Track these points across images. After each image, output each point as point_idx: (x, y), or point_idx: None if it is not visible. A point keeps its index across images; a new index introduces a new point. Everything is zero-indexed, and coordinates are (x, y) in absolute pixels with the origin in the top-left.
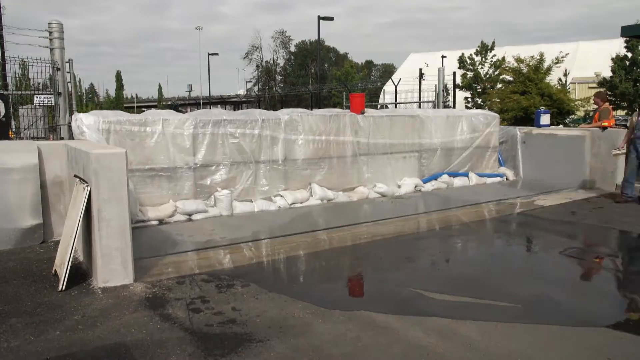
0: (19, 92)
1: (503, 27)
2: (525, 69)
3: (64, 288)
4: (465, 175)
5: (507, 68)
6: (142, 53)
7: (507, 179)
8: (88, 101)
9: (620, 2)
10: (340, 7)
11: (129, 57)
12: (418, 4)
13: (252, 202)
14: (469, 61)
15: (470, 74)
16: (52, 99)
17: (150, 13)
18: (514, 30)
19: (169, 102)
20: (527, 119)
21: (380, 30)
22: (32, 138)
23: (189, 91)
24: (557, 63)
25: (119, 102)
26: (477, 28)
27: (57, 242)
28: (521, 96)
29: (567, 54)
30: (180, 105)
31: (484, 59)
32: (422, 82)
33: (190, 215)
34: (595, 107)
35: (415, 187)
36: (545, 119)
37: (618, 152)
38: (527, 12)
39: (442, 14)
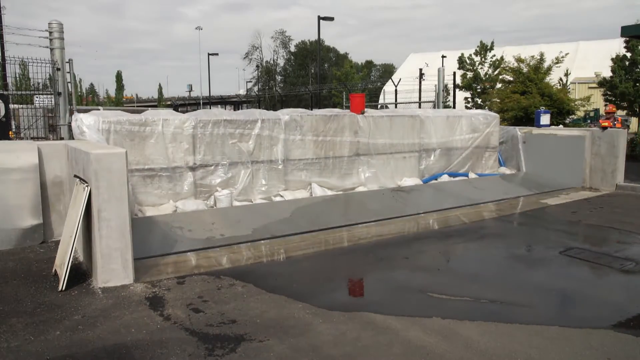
0: (19, 92)
1: (469, 26)
2: (525, 69)
3: (64, 288)
4: (465, 175)
5: (507, 68)
6: (116, 54)
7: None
8: (88, 102)
9: (587, 2)
10: (299, 8)
11: (106, 59)
12: (379, 4)
13: (251, 202)
14: (468, 61)
15: (470, 74)
16: (52, 99)
17: (110, 14)
18: (481, 30)
19: (169, 102)
20: (527, 119)
21: (350, 30)
22: (32, 138)
23: (189, 91)
24: (557, 63)
25: (119, 102)
26: (446, 28)
27: (57, 242)
28: (521, 96)
29: (567, 54)
30: (180, 105)
31: (483, 59)
32: (422, 82)
33: None
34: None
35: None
36: (545, 119)
37: None
38: (493, 12)
39: (405, 12)
